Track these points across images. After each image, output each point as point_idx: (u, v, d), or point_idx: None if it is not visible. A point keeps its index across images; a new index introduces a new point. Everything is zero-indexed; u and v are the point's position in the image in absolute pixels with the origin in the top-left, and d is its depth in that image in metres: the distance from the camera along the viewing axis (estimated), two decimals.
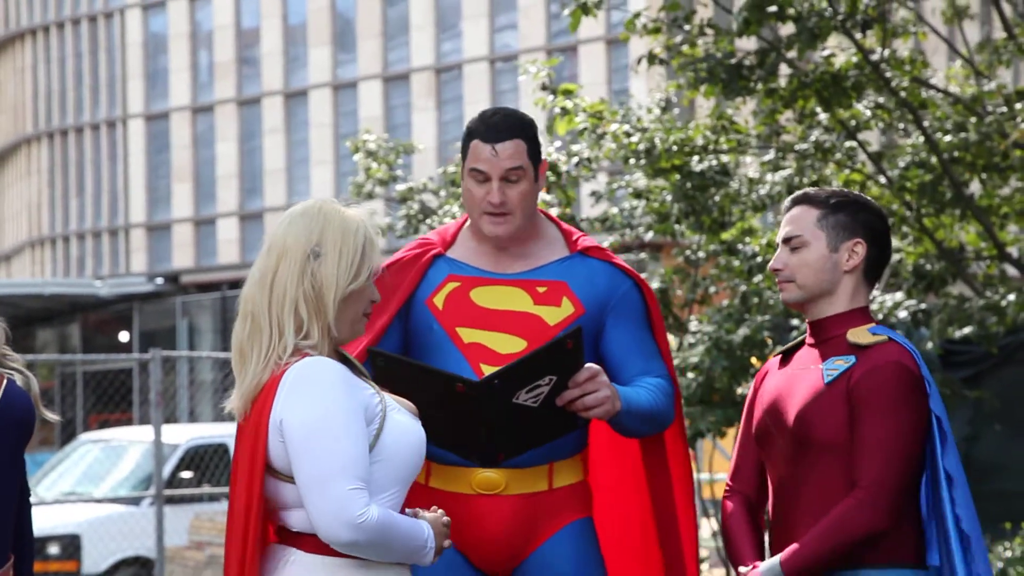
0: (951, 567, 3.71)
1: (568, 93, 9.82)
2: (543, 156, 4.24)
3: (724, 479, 4.09)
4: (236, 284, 30.12)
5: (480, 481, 4.13)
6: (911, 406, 3.74)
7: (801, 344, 3.95)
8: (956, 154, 10.15)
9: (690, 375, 9.06)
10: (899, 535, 3.75)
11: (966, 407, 12.55)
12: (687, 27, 9.78)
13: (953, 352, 12.84)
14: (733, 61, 9.56)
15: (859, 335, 3.82)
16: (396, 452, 3.38)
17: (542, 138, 4.85)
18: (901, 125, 10.58)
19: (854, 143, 10.26)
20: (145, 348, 29.10)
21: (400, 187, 11.44)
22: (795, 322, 9.55)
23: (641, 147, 9.63)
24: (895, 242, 10.51)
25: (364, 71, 36.54)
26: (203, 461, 14.15)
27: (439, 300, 4.20)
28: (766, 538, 3.98)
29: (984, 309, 10.51)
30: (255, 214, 37.63)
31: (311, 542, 3.36)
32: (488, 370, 4.09)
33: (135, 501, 13.49)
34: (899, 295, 10.03)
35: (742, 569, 3.87)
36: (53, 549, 13.11)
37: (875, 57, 9.86)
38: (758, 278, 9.56)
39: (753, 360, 9.20)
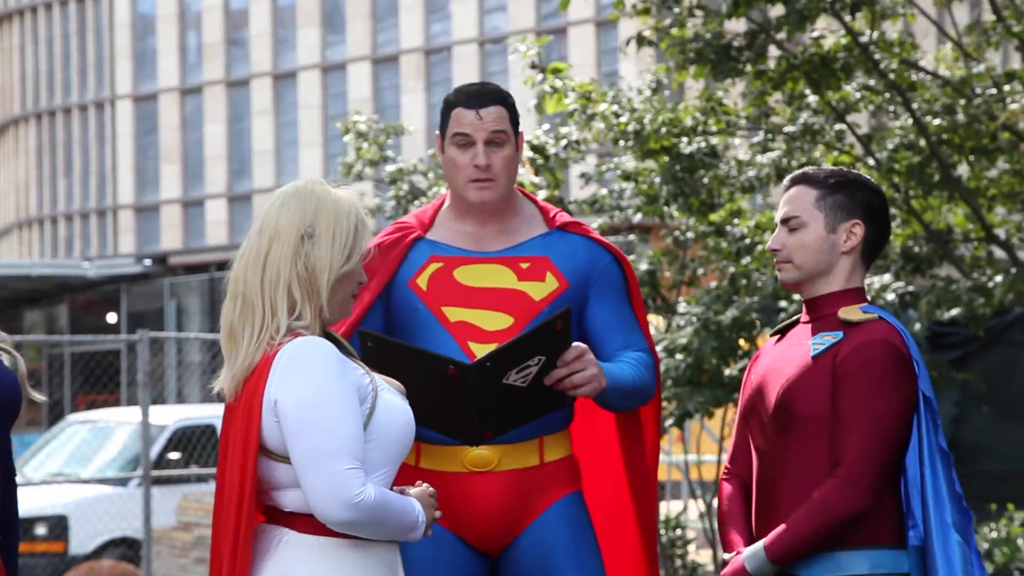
0: (942, 544, 3.70)
1: (557, 72, 9.80)
2: (529, 139, 4.26)
3: (711, 460, 4.10)
4: (224, 265, 29.96)
5: (472, 459, 4.15)
6: (897, 385, 3.73)
7: (796, 323, 3.96)
8: (945, 136, 10.15)
9: (678, 356, 9.05)
10: (878, 516, 3.75)
11: (953, 388, 12.59)
12: (676, 8, 9.77)
13: (940, 334, 12.88)
14: (722, 42, 9.56)
15: (850, 312, 3.82)
16: (388, 431, 3.38)
17: (530, 118, 4.87)
18: (890, 107, 10.58)
19: (843, 125, 10.26)
20: (133, 329, 29.07)
21: (390, 168, 11.43)
22: (783, 304, 9.55)
23: (630, 128, 9.62)
24: None
25: (353, 53, 36.51)
26: (191, 442, 14.14)
27: (422, 281, 4.21)
28: None
29: (971, 291, 10.53)
30: (243, 195, 37.60)
31: (304, 522, 3.35)
32: (476, 348, 4.11)
33: (123, 482, 13.48)
34: (887, 277, 10.03)
35: (726, 556, 3.88)
36: (40, 530, 13.10)
37: (864, 39, 9.85)
38: (746, 260, 9.56)
39: (741, 342, 9.21)
